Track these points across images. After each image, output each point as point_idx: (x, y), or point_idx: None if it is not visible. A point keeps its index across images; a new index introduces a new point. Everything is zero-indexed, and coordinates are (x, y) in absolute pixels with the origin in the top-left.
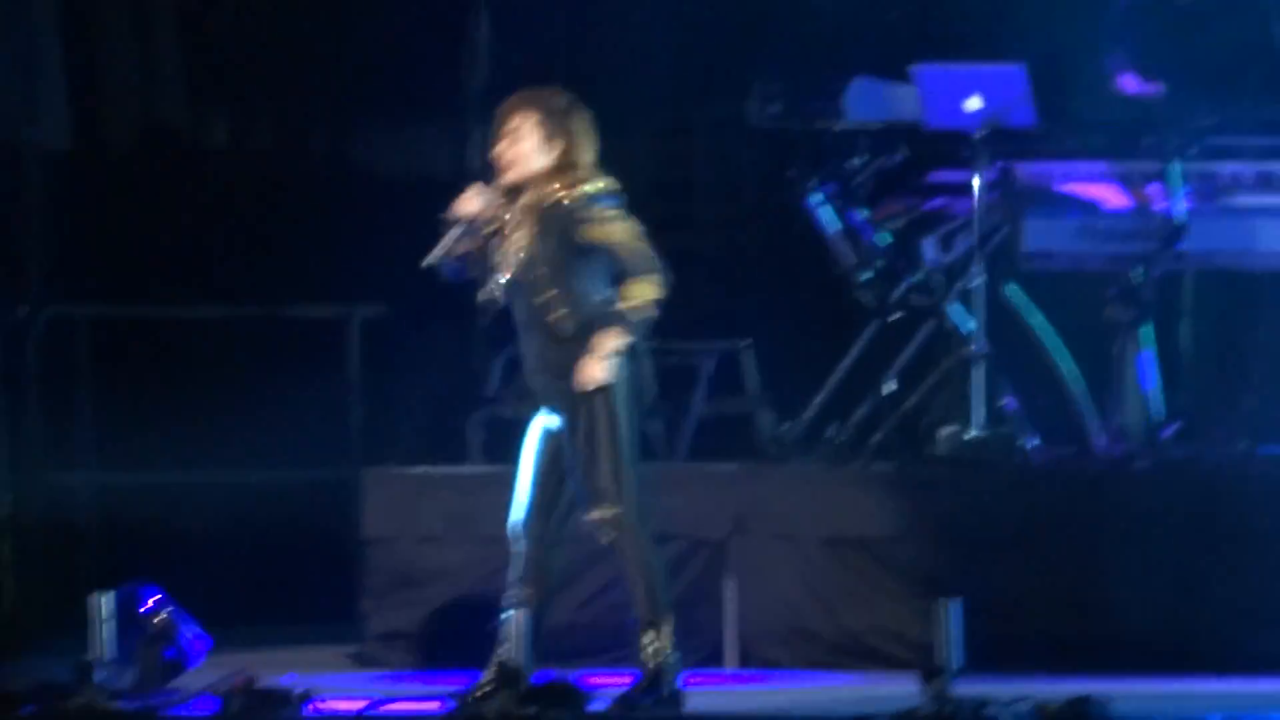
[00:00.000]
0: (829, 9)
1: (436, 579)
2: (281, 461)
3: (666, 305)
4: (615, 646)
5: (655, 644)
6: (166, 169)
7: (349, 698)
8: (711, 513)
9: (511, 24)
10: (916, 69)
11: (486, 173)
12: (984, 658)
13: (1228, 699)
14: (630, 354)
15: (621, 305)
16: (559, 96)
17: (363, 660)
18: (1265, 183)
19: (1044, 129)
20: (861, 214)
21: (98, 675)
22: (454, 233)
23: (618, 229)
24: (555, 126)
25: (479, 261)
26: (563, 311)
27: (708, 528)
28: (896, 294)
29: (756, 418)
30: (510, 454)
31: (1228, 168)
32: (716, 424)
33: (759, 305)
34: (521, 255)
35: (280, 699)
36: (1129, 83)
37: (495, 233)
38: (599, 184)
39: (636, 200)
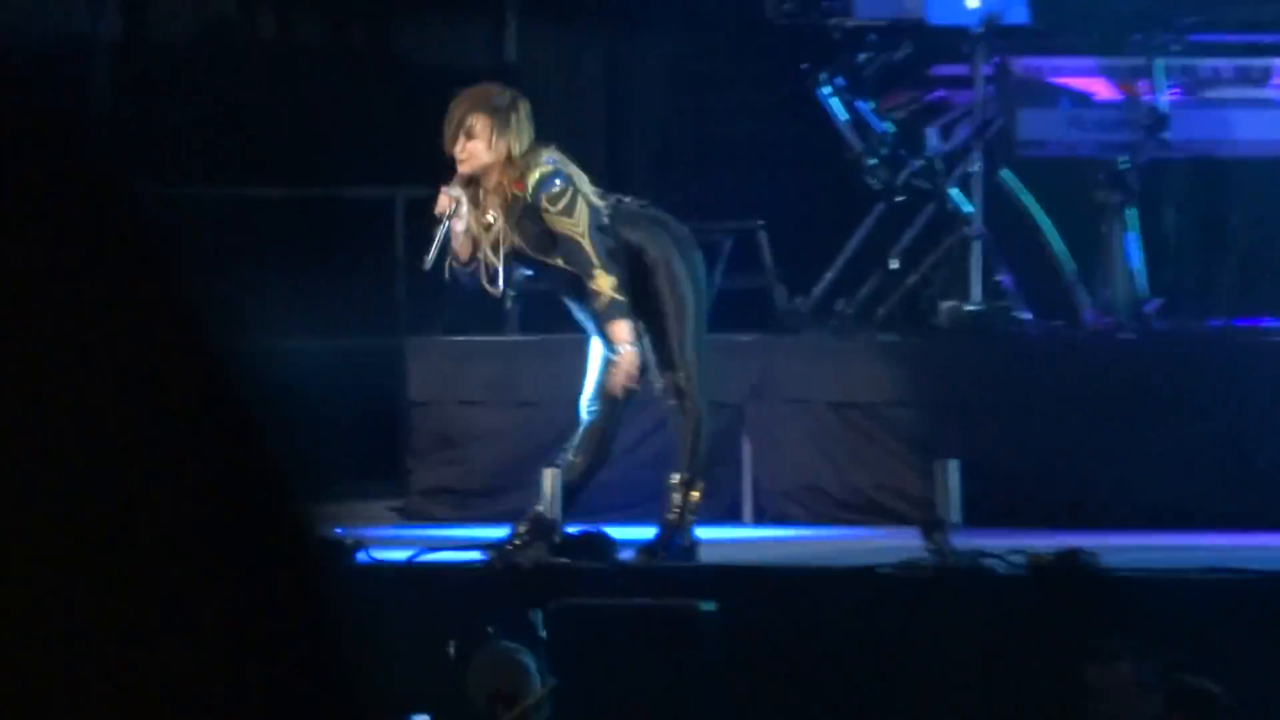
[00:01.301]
0: None
1: (475, 439)
2: (333, 330)
3: (688, 188)
4: (641, 502)
5: (685, 502)
6: (218, 60)
7: (396, 548)
8: (730, 378)
9: None
10: None
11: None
12: (981, 514)
13: (1206, 551)
14: (682, 244)
15: (594, 306)
16: (501, 92)
17: (408, 514)
18: (1243, 77)
19: (1038, 26)
20: (868, 104)
21: None
22: (440, 231)
23: (565, 224)
24: (503, 130)
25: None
26: (588, 287)
27: (726, 392)
28: (900, 178)
29: (771, 292)
30: (545, 324)
31: (1208, 63)
32: (734, 297)
33: (773, 188)
34: (517, 243)
35: (331, 548)
36: None
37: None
38: (539, 170)
39: (660, 92)
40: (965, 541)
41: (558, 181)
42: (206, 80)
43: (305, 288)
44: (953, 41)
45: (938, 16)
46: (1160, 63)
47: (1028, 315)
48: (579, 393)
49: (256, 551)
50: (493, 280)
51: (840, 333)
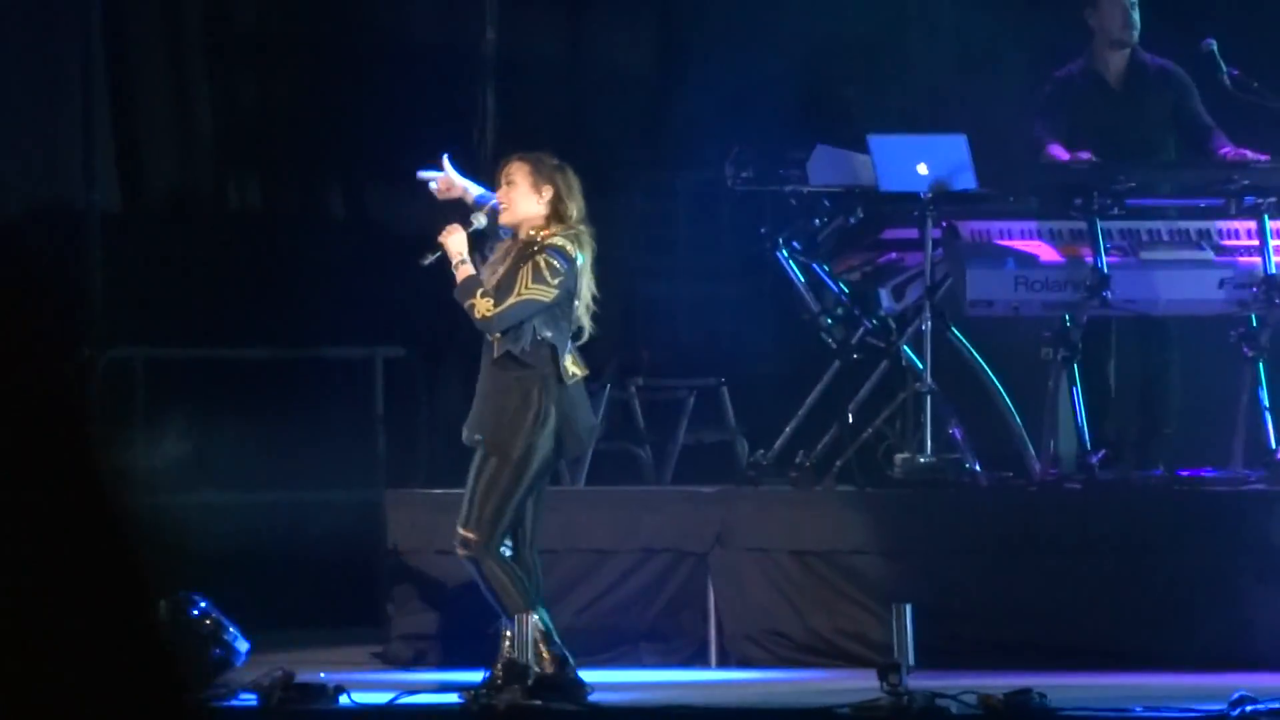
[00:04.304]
0: (794, 87)
1: (452, 587)
2: (315, 484)
3: (653, 346)
4: (611, 646)
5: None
6: (204, 226)
7: (377, 691)
8: (695, 529)
9: (515, 96)
10: (871, 138)
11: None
12: (935, 656)
13: (1149, 691)
14: (563, 392)
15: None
16: (550, 157)
17: (388, 659)
18: (1178, 240)
19: (984, 192)
20: (824, 266)
21: None
22: (433, 256)
23: (525, 277)
24: (543, 178)
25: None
26: (496, 337)
27: (692, 542)
28: (856, 337)
29: (734, 446)
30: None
31: (1146, 226)
32: (698, 451)
33: (735, 347)
34: (489, 280)
35: (316, 692)
36: (1058, 151)
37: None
38: (562, 241)
39: (626, 253)
40: (920, 683)
41: (560, 262)
42: (192, 246)
43: (290, 444)
44: (903, 206)
45: (889, 183)
46: (1100, 226)
47: (978, 467)
48: (546, 544)
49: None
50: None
51: (800, 484)
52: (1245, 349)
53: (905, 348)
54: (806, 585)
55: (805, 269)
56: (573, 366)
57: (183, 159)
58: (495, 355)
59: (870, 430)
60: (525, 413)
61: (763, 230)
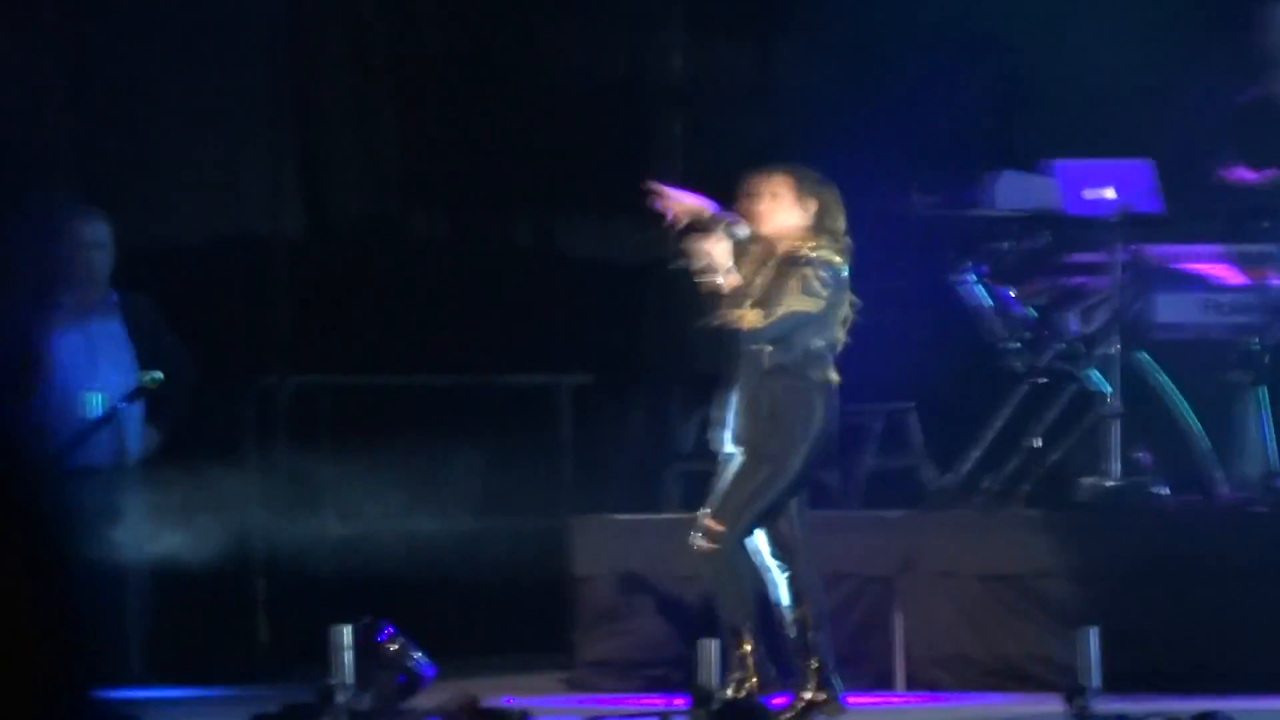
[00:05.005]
0: (980, 113)
1: (638, 613)
2: (501, 511)
3: (844, 373)
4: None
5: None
6: (390, 254)
7: (563, 717)
8: (881, 553)
9: (703, 124)
10: (1057, 163)
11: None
12: (1121, 681)
13: None
14: (826, 399)
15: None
16: (812, 171)
17: (574, 685)
18: None
19: (1170, 215)
20: (1010, 291)
21: (339, 698)
22: (696, 263)
23: (794, 288)
24: (807, 190)
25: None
26: (766, 348)
27: (878, 566)
28: (1042, 361)
29: (920, 470)
30: (703, 503)
31: None
32: (886, 476)
33: (922, 371)
34: (752, 291)
35: (501, 717)
36: (1242, 174)
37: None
38: (830, 254)
39: None
40: (1106, 706)
41: (828, 274)
42: (378, 275)
43: (477, 471)
44: (1089, 230)
45: (1074, 207)
46: None
47: (1165, 490)
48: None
49: None
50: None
51: (986, 509)
52: None
53: (1092, 371)
54: (992, 609)
55: (991, 293)
56: (833, 375)
57: (369, 188)
58: (767, 366)
59: (1056, 454)
60: (801, 421)
61: (948, 255)
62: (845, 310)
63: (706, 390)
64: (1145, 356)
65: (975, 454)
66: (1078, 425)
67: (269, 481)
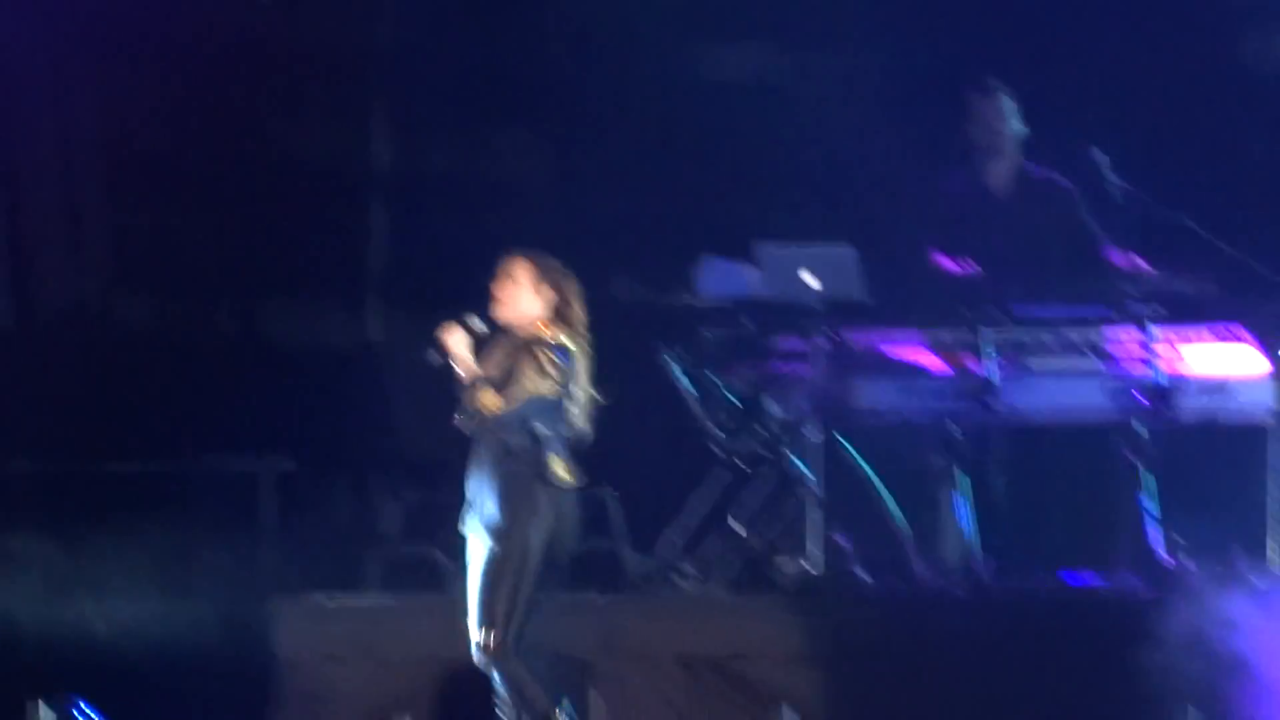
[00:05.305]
0: (682, 198)
1: (341, 695)
2: (206, 592)
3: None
4: None
5: None
6: (95, 341)
7: None
8: (579, 635)
9: (404, 214)
10: (759, 248)
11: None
12: None
13: None
14: (549, 495)
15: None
16: (552, 260)
17: None
18: (1064, 347)
19: (871, 301)
20: (713, 376)
21: None
22: (440, 358)
23: (529, 371)
24: (546, 279)
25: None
26: (498, 433)
27: (575, 648)
28: (744, 445)
29: (620, 553)
30: (406, 585)
31: (1031, 334)
32: (584, 558)
33: (623, 454)
34: (491, 377)
35: None
36: (944, 261)
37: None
38: (563, 339)
39: None
40: None
41: (561, 358)
42: (82, 359)
43: (179, 555)
44: (792, 317)
45: (777, 293)
46: (986, 335)
47: (865, 575)
48: (436, 652)
49: None
50: None
51: (685, 591)
52: (1131, 456)
53: (794, 457)
54: (692, 690)
55: (694, 378)
56: (562, 472)
57: (73, 273)
58: (495, 450)
59: (757, 538)
60: (526, 509)
61: (651, 341)
62: (583, 402)
63: (409, 475)
64: (844, 443)
65: (676, 537)
66: (779, 510)
67: None
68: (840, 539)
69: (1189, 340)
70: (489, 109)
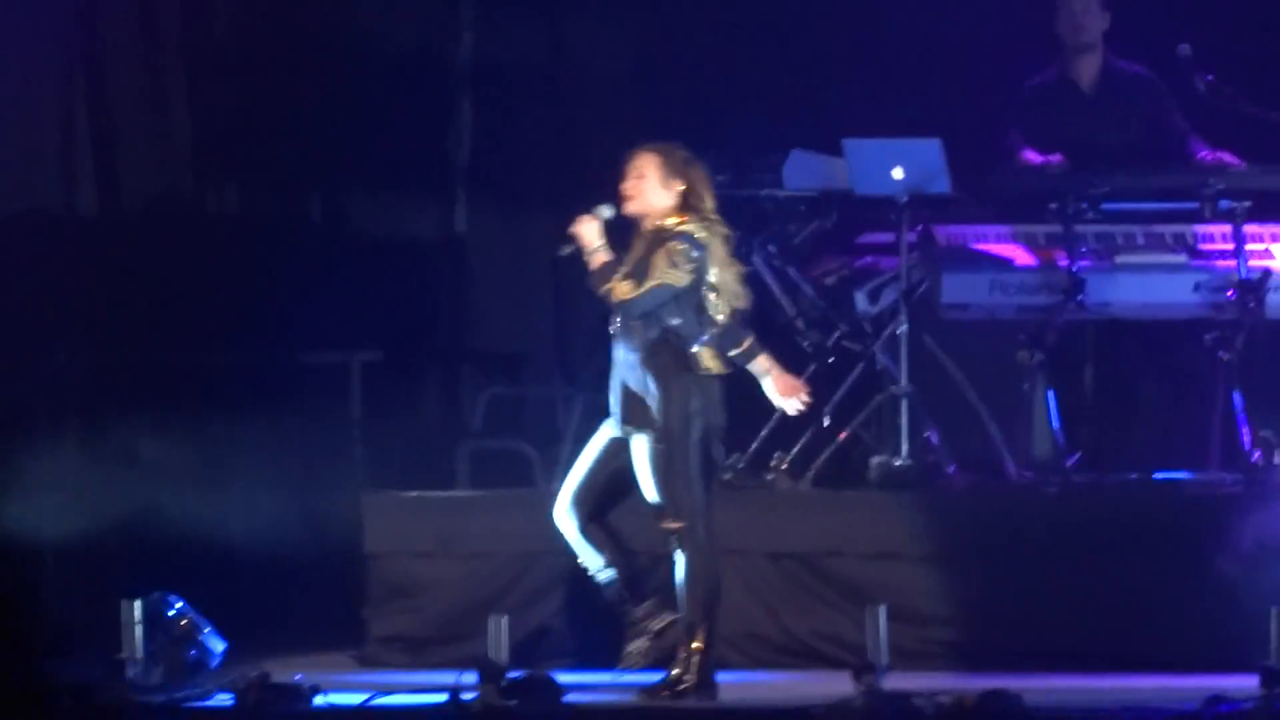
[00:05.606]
0: (769, 91)
1: (428, 590)
2: (293, 488)
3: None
4: (583, 650)
5: (692, 645)
6: (182, 231)
7: (353, 692)
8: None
9: (493, 103)
10: (846, 142)
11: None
12: (910, 659)
13: (1123, 693)
14: (697, 382)
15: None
16: (681, 149)
17: (364, 661)
18: (1153, 243)
19: (959, 196)
20: (799, 271)
21: (129, 672)
22: (570, 248)
23: (661, 263)
24: (674, 170)
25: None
26: (637, 327)
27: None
28: (831, 340)
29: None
30: (492, 480)
31: (1121, 229)
32: None
33: None
34: (624, 266)
35: (291, 693)
36: (1032, 156)
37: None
38: (693, 228)
39: None
40: (895, 684)
41: (693, 248)
42: (170, 251)
43: (268, 448)
44: (879, 210)
45: (864, 187)
46: (1075, 230)
47: (953, 470)
48: (524, 546)
49: None
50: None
51: (776, 486)
52: (1220, 352)
53: (881, 351)
54: (782, 587)
55: (781, 273)
56: (708, 361)
57: (160, 163)
58: (638, 346)
59: (846, 433)
60: (676, 398)
61: (738, 234)
62: (726, 290)
63: (496, 370)
64: (930, 340)
65: (764, 432)
66: (867, 404)
67: (60, 457)
68: (930, 435)
69: (1277, 236)
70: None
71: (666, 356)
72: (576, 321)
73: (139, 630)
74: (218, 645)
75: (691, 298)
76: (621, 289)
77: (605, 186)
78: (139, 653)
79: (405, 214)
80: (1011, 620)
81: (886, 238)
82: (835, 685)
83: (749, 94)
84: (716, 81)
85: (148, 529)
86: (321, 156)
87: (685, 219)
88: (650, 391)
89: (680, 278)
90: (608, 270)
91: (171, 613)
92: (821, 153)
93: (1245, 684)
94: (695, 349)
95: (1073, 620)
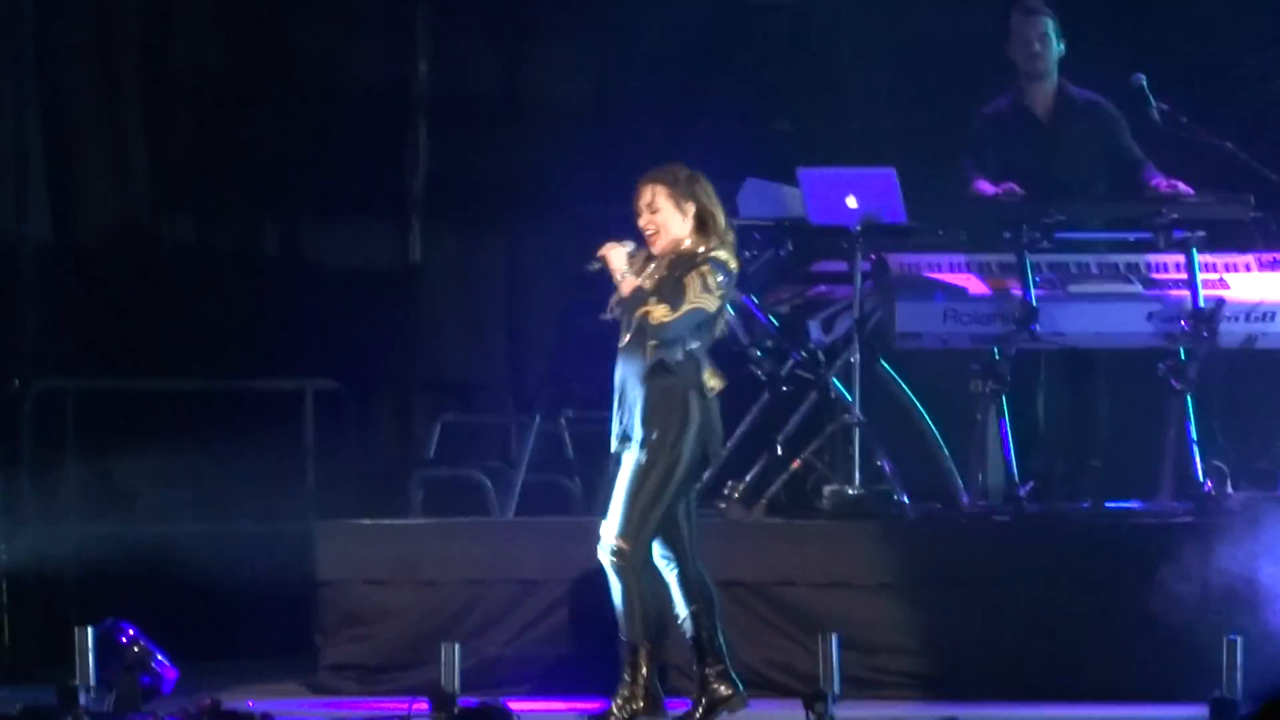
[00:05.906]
0: (725, 120)
1: (381, 617)
2: (247, 514)
3: (586, 380)
4: (539, 676)
5: (640, 670)
6: (137, 259)
7: (304, 719)
8: None
9: (449, 132)
10: (801, 171)
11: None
12: (862, 687)
13: None
14: (703, 404)
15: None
16: (681, 168)
17: (316, 689)
18: (1106, 273)
19: (913, 225)
20: (754, 299)
21: (81, 699)
22: (597, 265)
23: (694, 286)
24: (683, 193)
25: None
26: (651, 344)
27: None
28: (785, 369)
29: None
30: (445, 509)
31: (1074, 259)
32: None
33: None
34: (644, 287)
35: (243, 719)
36: (985, 186)
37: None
38: (723, 254)
39: (558, 286)
40: (846, 713)
41: (723, 274)
42: (125, 280)
43: (222, 476)
44: (833, 239)
45: (819, 216)
46: (1029, 259)
47: (906, 499)
48: (477, 574)
49: None
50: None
51: (729, 515)
52: (1173, 382)
53: (834, 380)
54: (735, 616)
55: (735, 301)
56: (711, 380)
57: (117, 192)
58: (648, 364)
59: (799, 461)
60: (678, 420)
61: None
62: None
63: (449, 398)
64: (885, 366)
65: (717, 461)
66: (820, 433)
67: (10, 484)
68: (882, 463)
69: (1230, 265)
70: (531, 28)
71: (683, 378)
72: (532, 349)
73: (91, 657)
74: (170, 673)
75: (716, 322)
76: (658, 313)
77: (556, 214)
78: (91, 679)
79: (360, 243)
80: (964, 649)
81: (840, 266)
82: (787, 714)
83: (703, 122)
84: (672, 110)
85: (100, 555)
86: (277, 185)
87: (710, 244)
88: (654, 409)
89: (713, 303)
90: (640, 295)
91: (124, 639)
92: (776, 181)
93: (1195, 714)
94: (705, 370)
95: (1024, 649)
